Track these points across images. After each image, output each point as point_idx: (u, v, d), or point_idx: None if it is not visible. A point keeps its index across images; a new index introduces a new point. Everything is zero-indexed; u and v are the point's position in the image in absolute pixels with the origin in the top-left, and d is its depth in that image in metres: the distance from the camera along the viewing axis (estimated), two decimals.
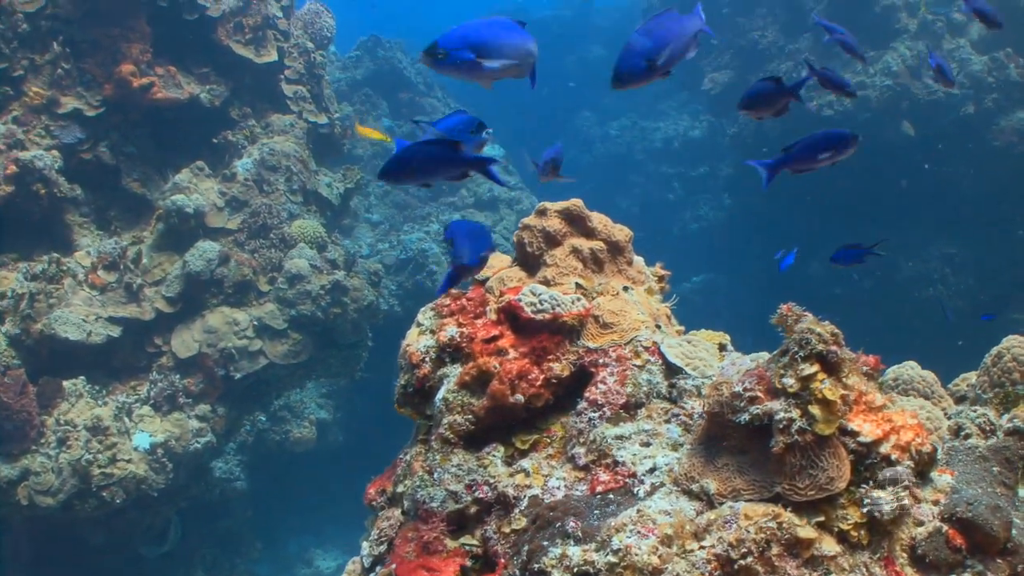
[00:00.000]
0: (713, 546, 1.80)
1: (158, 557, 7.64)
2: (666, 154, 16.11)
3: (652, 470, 2.15)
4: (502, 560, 2.21)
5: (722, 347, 2.59)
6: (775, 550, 1.77)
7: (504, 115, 14.43)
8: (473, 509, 2.37)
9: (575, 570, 1.89)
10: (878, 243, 4.59)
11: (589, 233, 2.80)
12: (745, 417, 1.90)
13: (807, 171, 3.13)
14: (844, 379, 1.87)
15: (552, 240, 2.75)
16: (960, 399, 2.61)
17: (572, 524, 2.00)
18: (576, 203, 2.80)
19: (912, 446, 1.89)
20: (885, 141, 9.90)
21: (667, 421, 2.33)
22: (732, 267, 13.26)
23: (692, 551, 1.82)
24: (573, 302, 2.52)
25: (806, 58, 9.76)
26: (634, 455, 2.22)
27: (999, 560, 1.82)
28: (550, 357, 2.47)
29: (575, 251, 2.73)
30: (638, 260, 2.91)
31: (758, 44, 11.78)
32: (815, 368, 1.84)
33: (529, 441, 2.43)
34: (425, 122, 2.64)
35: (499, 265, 2.87)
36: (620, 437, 2.27)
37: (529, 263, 2.80)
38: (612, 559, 1.85)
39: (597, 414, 2.35)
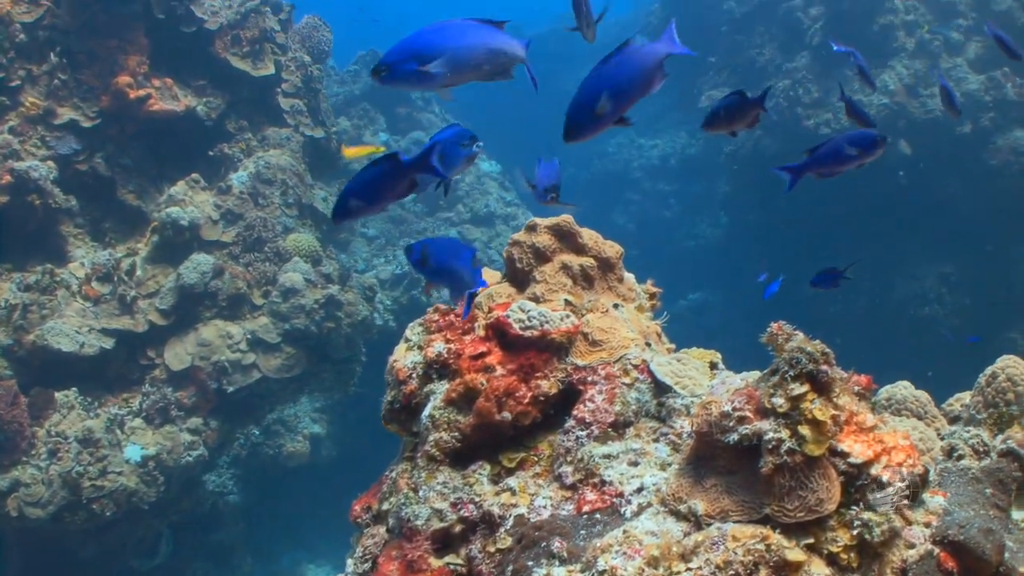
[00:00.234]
0: (700, 568, 1.77)
1: (149, 570, 7.58)
2: (663, 171, 16.12)
3: (640, 490, 2.12)
4: None
5: (713, 365, 2.55)
6: (763, 572, 1.74)
7: (503, 130, 14.42)
8: (458, 528, 2.33)
9: None
10: (848, 267, 4.58)
11: (579, 249, 2.77)
12: (734, 437, 1.87)
13: (832, 175, 3.07)
14: (835, 399, 1.85)
15: (542, 256, 2.72)
16: (954, 419, 2.58)
17: (558, 544, 1.97)
18: (566, 219, 2.77)
19: (903, 467, 1.86)
20: (882, 160, 9.89)
21: (655, 440, 2.30)
22: (728, 285, 13.23)
23: (679, 573, 1.79)
24: (562, 319, 2.50)
25: (839, 83, 9.82)
26: (621, 474, 2.19)
27: None
28: (538, 374, 2.44)
29: (565, 267, 2.70)
30: (629, 277, 2.88)
31: (756, 62, 11.83)
32: (805, 388, 1.82)
33: (516, 459, 2.40)
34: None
35: (489, 281, 2.84)
36: (608, 456, 2.24)
37: (519, 279, 2.77)
38: None
39: (585, 433, 2.32)
